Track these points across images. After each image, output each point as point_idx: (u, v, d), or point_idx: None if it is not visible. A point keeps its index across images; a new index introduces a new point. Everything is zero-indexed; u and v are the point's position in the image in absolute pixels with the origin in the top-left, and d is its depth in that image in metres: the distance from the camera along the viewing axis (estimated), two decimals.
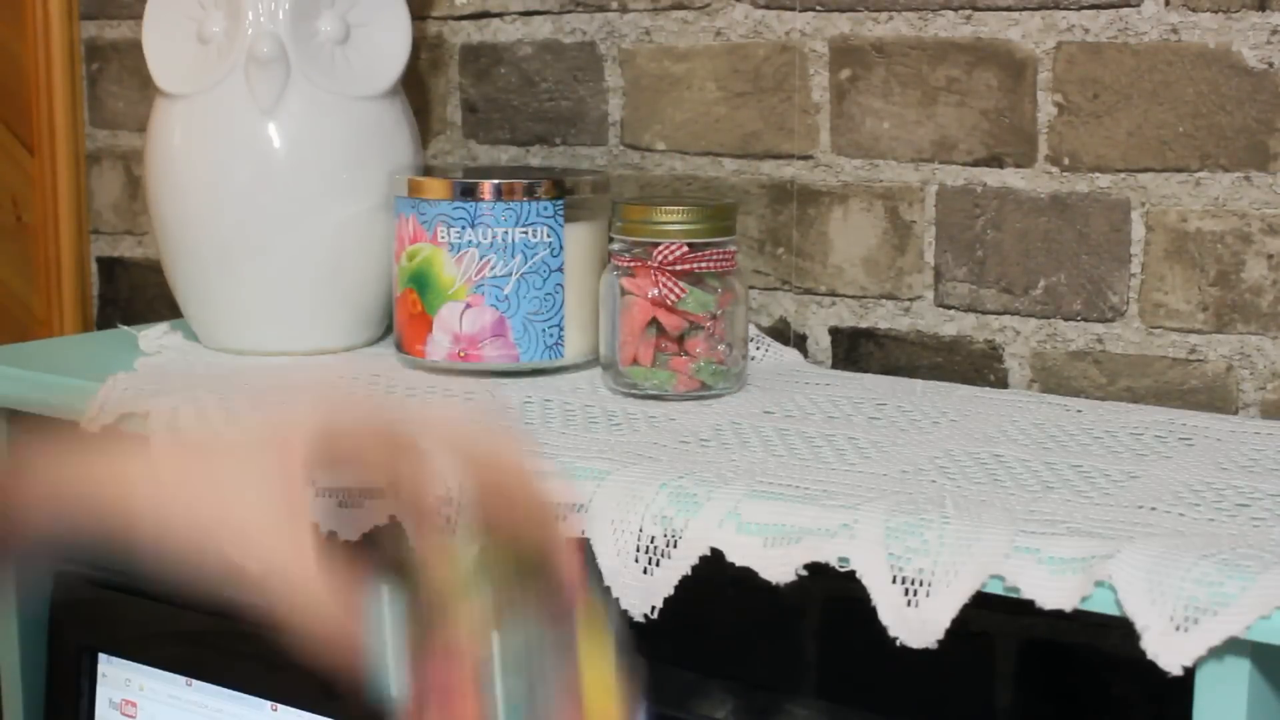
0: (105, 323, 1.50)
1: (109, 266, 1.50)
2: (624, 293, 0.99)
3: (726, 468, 0.83)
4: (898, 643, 0.72)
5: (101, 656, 1.07)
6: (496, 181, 1.04)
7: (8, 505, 0.67)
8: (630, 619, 0.79)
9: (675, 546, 0.78)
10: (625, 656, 0.67)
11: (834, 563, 0.74)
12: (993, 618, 1.09)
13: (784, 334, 1.14)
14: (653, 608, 0.78)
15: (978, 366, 1.08)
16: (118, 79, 1.46)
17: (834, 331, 1.13)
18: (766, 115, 1.13)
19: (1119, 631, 0.68)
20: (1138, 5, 1.00)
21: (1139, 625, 0.66)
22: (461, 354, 1.05)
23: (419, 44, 1.24)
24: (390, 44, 1.15)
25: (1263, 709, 0.67)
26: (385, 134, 1.13)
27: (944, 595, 0.71)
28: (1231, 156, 0.98)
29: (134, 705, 1.05)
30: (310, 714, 0.97)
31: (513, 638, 0.63)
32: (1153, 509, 0.77)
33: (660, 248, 0.98)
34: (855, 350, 1.12)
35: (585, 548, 0.79)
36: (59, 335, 1.48)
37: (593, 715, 0.64)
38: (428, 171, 1.14)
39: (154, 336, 1.16)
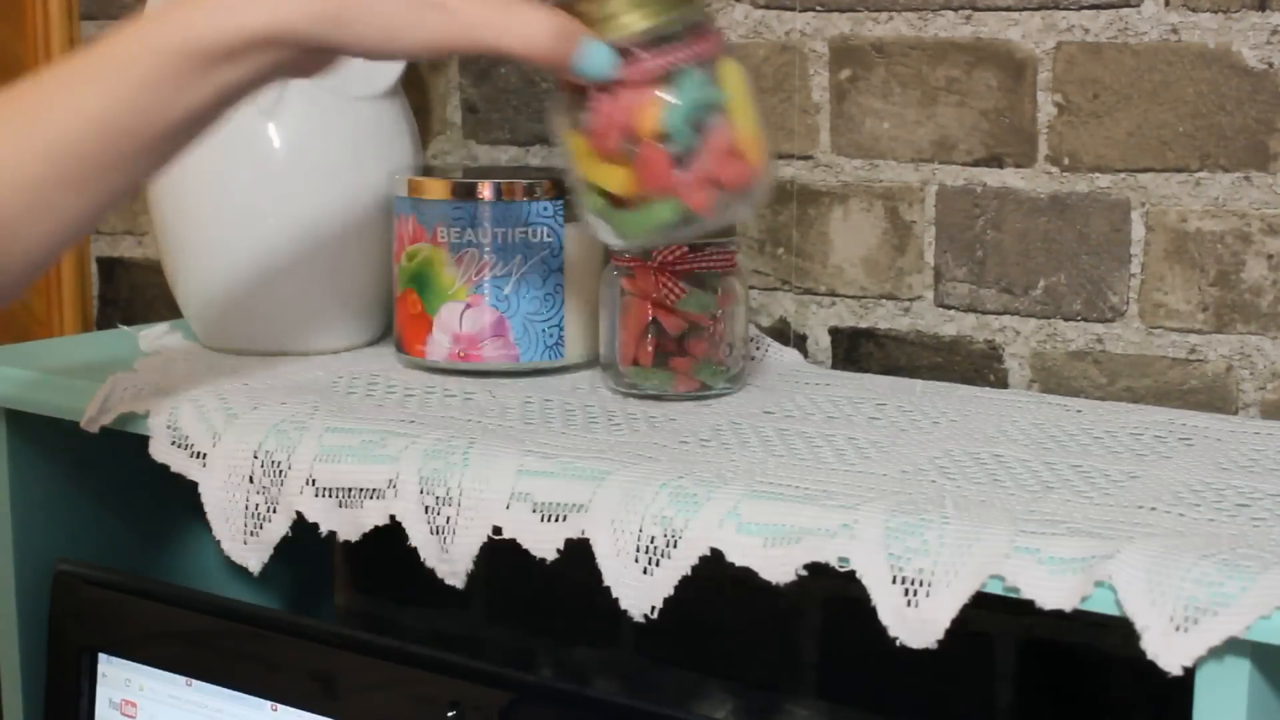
0: (105, 323, 1.50)
1: (109, 266, 1.50)
2: (624, 293, 0.99)
3: (726, 468, 0.83)
4: (898, 643, 0.72)
5: (101, 656, 1.07)
6: (496, 181, 1.04)
7: None
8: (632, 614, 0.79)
9: (675, 546, 0.78)
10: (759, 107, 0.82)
11: (834, 563, 0.74)
12: (993, 618, 1.09)
13: (784, 334, 1.14)
14: (653, 608, 0.78)
15: (978, 366, 1.08)
16: None
17: (834, 331, 1.13)
18: (766, 115, 1.13)
19: (1119, 631, 0.68)
20: (1138, 5, 1.00)
21: (1139, 625, 0.66)
22: (461, 354, 1.05)
23: None
24: None
25: (1263, 709, 0.67)
26: (385, 134, 1.13)
27: (944, 595, 0.71)
28: (1231, 156, 0.98)
29: (134, 705, 1.05)
30: (310, 714, 0.97)
31: (679, 77, 0.78)
32: (1153, 509, 0.77)
33: (660, 248, 0.98)
34: (855, 350, 1.12)
35: None
36: (59, 335, 1.48)
37: (745, 147, 0.80)
38: (428, 171, 1.14)
39: (154, 336, 1.16)
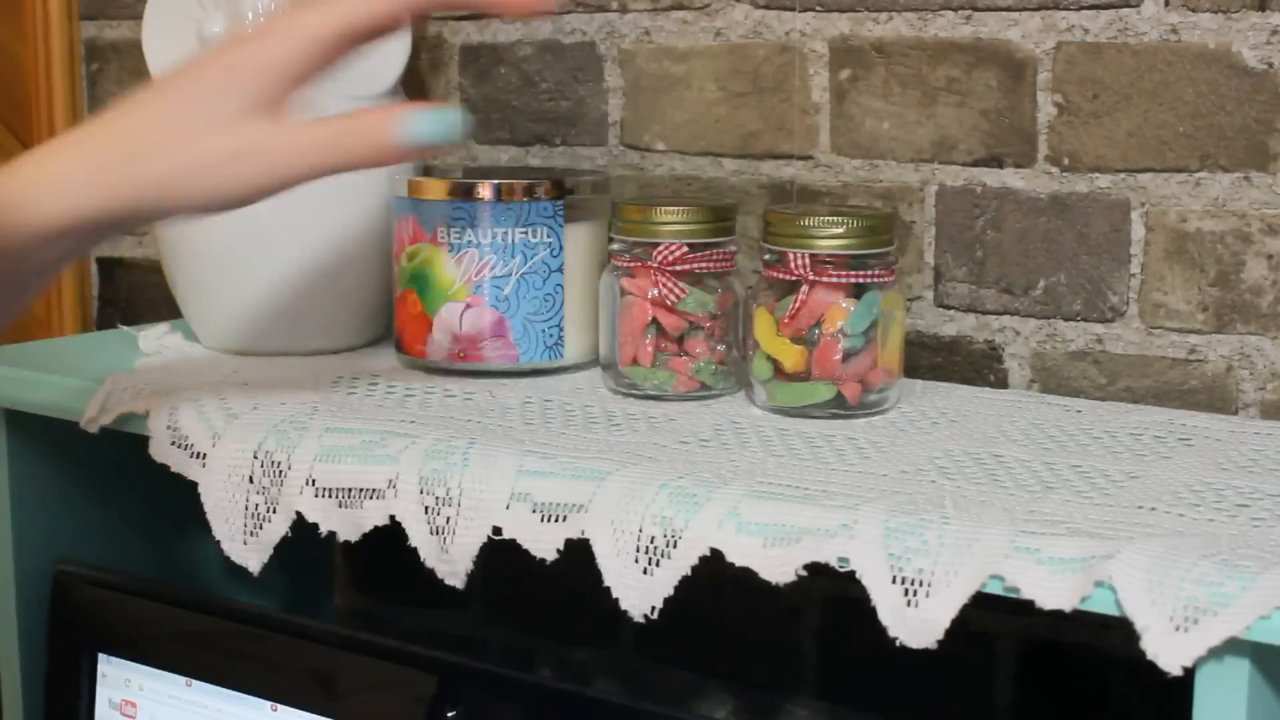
0: (105, 323, 1.50)
1: (109, 267, 1.50)
2: (624, 293, 0.99)
3: (726, 468, 0.83)
4: (898, 643, 0.72)
5: (101, 656, 1.07)
6: (496, 182, 1.04)
7: None
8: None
9: (675, 546, 0.78)
10: None
11: (834, 563, 0.74)
12: (993, 618, 1.09)
13: None
14: (653, 608, 0.78)
15: (978, 366, 1.08)
16: (118, 79, 1.46)
17: None
18: (766, 115, 1.13)
19: (1119, 631, 0.68)
20: (1137, 5, 1.00)
21: (1139, 625, 0.66)
22: (461, 354, 1.05)
23: (419, 44, 1.25)
24: (390, 44, 1.15)
25: (1263, 709, 0.67)
26: None
27: (944, 595, 0.71)
28: (1231, 156, 0.98)
29: (134, 705, 1.05)
30: (310, 714, 0.97)
31: (865, 291, 0.94)
32: (1153, 509, 0.77)
33: (660, 248, 0.98)
34: None
35: None
36: (59, 335, 1.48)
37: (890, 359, 0.95)
38: (427, 171, 1.14)
39: (154, 336, 1.16)
